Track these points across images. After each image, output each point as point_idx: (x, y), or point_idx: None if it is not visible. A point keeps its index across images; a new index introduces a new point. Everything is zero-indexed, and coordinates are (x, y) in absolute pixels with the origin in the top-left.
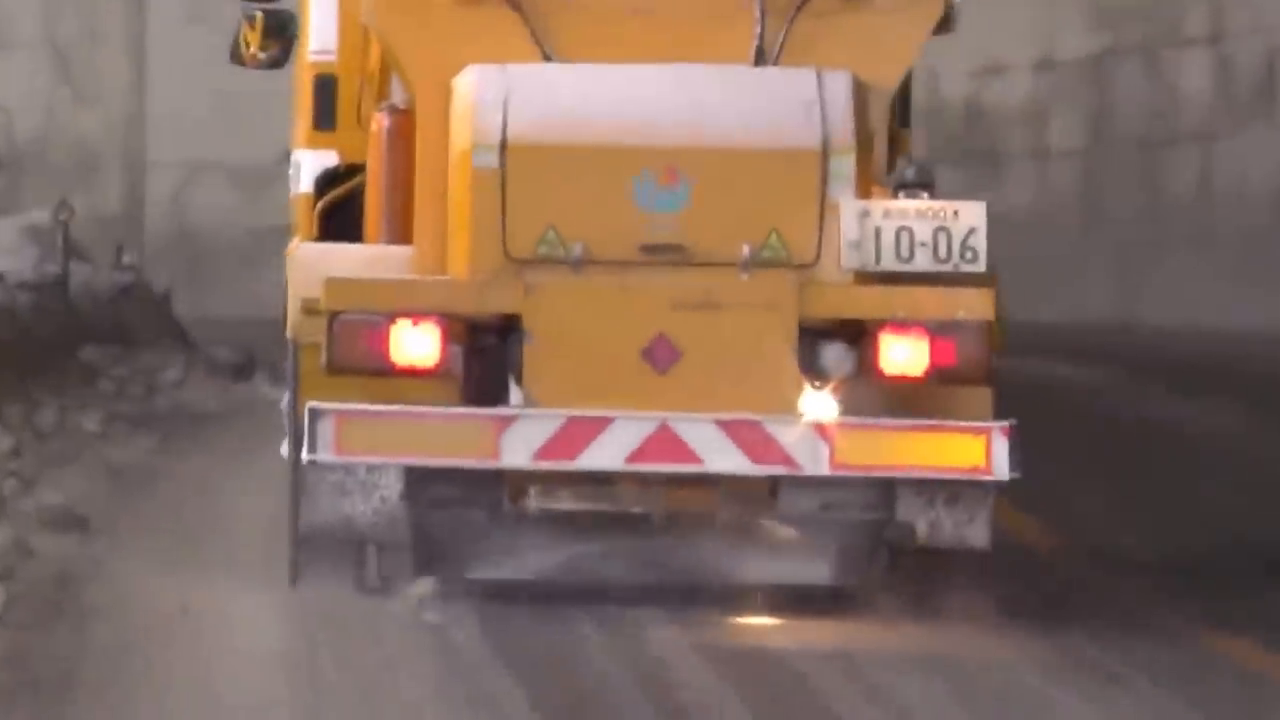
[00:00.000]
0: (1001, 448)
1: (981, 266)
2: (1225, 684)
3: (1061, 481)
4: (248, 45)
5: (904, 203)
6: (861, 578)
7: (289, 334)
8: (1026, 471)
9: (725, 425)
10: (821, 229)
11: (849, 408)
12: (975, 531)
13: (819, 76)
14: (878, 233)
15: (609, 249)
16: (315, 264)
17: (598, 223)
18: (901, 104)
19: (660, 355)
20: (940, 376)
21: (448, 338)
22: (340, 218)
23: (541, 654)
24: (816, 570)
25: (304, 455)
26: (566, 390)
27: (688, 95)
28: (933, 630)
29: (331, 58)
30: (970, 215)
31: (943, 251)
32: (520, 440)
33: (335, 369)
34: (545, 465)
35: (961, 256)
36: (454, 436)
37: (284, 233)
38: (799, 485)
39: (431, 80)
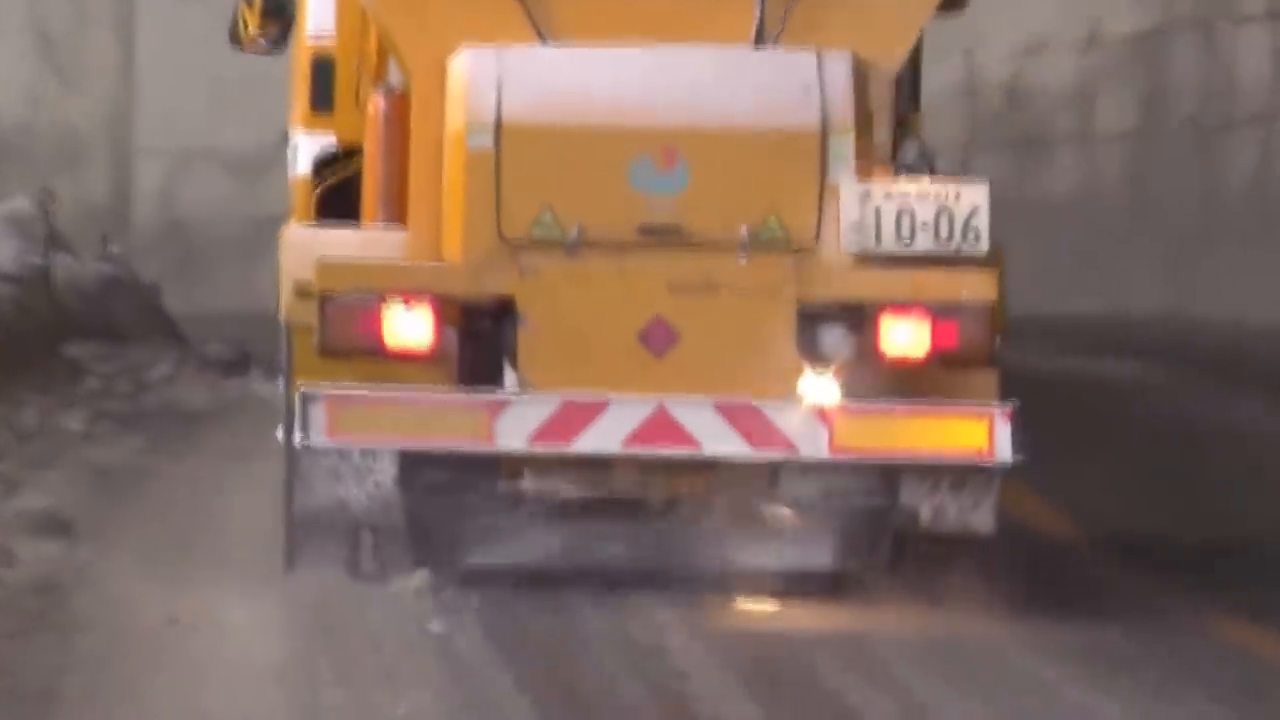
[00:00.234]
0: (1004, 431)
1: (984, 248)
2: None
3: (1097, 481)
4: (246, 27)
5: (905, 184)
6: (864, 563)
7: (281, 316)
8: (1063, 468)
9: (723, 409)
10: (821, 211)
11: (849, 391)
12: (980, 517)
13: (819, 57)
14: (878, 214)
15: (605, 231)
16: (308, 245)
17: (594, 204)
18: (911, 84)
19: (657, 338)
20: (942, 359)
21: (442, 320)
22: (340, 201)
23: (543, 657)
24: (818, 556)
25: (296, 439)
26: (562, 373)
27: (686, 76)
28: (937, 616)
29: (330, 40)
30: (972, 196)
31: (944, 233)
32: (515, 424)
33: (327, 352)
34: (541, 449)
35: (963, 238)
36: (448, 420)
37: (281, 222)
38: (800, 470)
39: (426, 62)
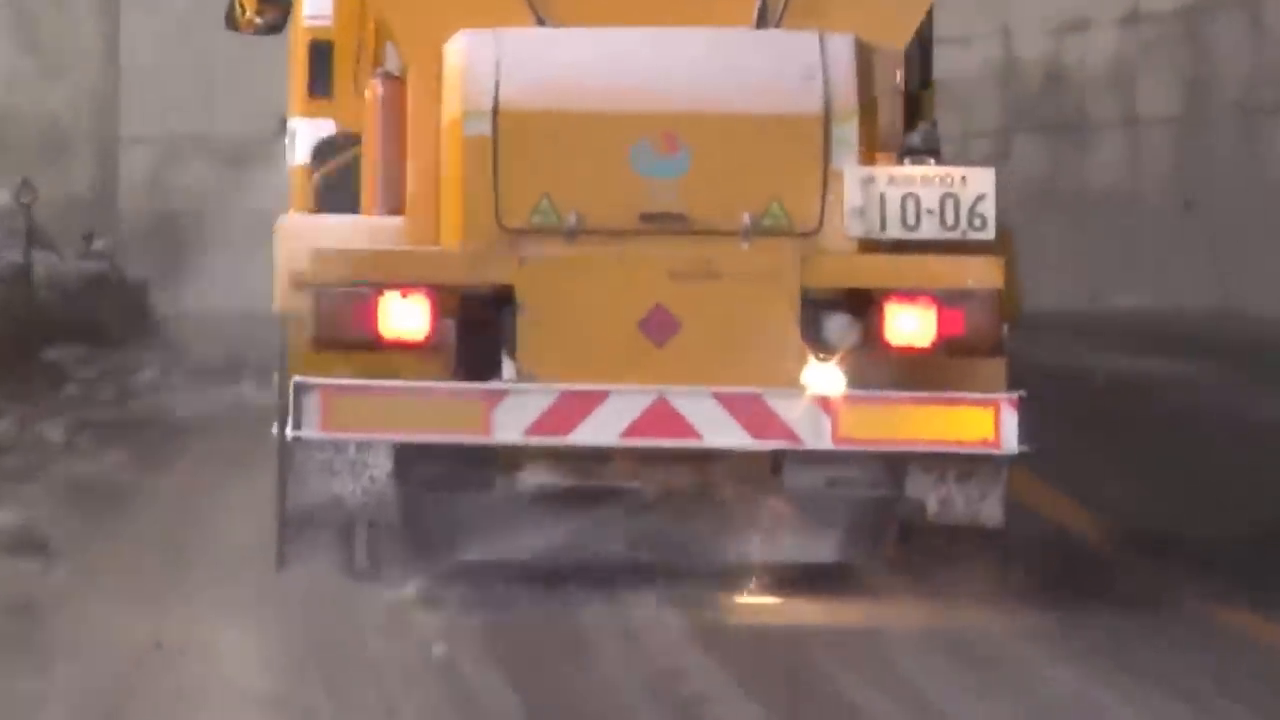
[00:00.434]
0: (1010, 420)
1: (991, 234)
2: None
3: (1136, 483)
4: (243, 9)
5: (910, 169)
6: (868, 556)
7: (277, 307)
8: (1093, 465)
9: (724, 399)
10: (824, 196)
11: (853, 380)
12: (988, 509)
13: (822, 39)
14: (883, 200)
15: (606, 218)
16: (303, 235)
17: (594, 191)
18: (921, 60)
19: (658, 327)
20: (948, 347)
21: (438, 310)
22: (341, 191)
23: (545, 660)
24: (821, 549)
25: (289, 432)
26: (561, 364)
27: (687, 59)
28: (944, 610)
29: (328, 23)
30: (979, 181)
31: (950, 219)
32: (513, 415)
33: (322, 343)
34: (538, 441)
35: (970, 224)
36: (444, 412)
37: (278, 213)
38: (803, 461)
39: (423, 46)
